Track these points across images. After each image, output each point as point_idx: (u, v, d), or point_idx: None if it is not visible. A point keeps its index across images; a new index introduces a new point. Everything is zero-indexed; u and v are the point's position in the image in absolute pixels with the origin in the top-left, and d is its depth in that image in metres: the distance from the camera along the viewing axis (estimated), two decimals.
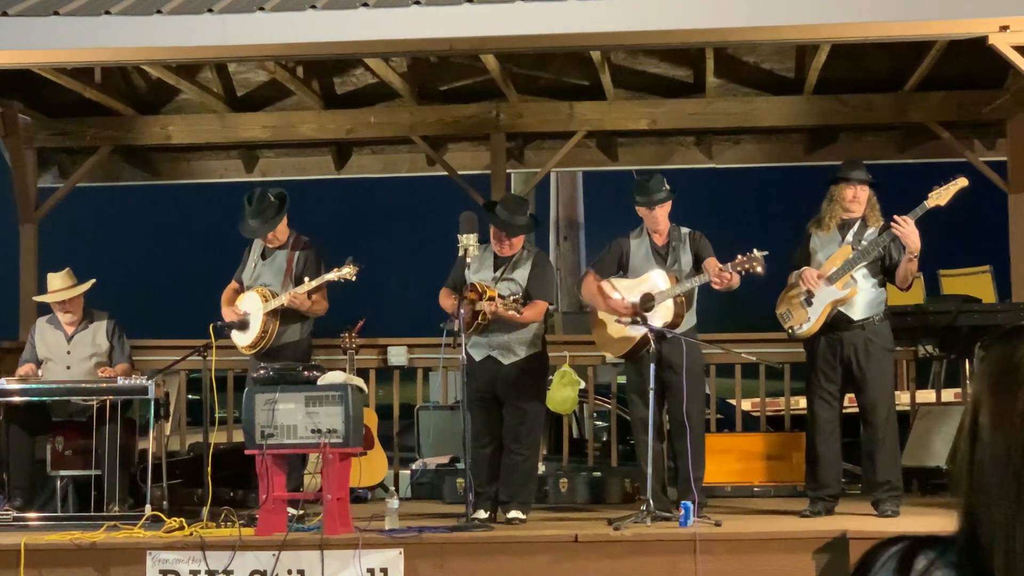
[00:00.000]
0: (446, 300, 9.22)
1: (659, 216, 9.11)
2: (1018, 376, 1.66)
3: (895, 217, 8.55)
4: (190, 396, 12.30)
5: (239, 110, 12.67)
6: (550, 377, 10.09)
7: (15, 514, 9.14)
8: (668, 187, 9.13)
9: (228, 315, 9.49)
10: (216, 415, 9.20)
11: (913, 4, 8.66)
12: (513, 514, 8.95)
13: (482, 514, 8.85)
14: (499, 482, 9.11)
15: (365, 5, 8.95)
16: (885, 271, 8.86)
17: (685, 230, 9.18)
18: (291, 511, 8.55)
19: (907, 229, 8.50)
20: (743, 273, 8.75)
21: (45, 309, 10.17)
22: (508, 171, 13.06)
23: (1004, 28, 8.55)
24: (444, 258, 9.53)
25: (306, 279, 9.36)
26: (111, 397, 9.20)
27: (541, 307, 9.18)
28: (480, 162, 13.04)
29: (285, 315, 9.49)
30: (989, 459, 1.68)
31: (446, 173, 12.83)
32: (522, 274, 9.18)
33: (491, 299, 8.95)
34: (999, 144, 12.37)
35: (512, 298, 8.96)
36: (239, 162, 13.69)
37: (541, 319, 9.29)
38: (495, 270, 9.22)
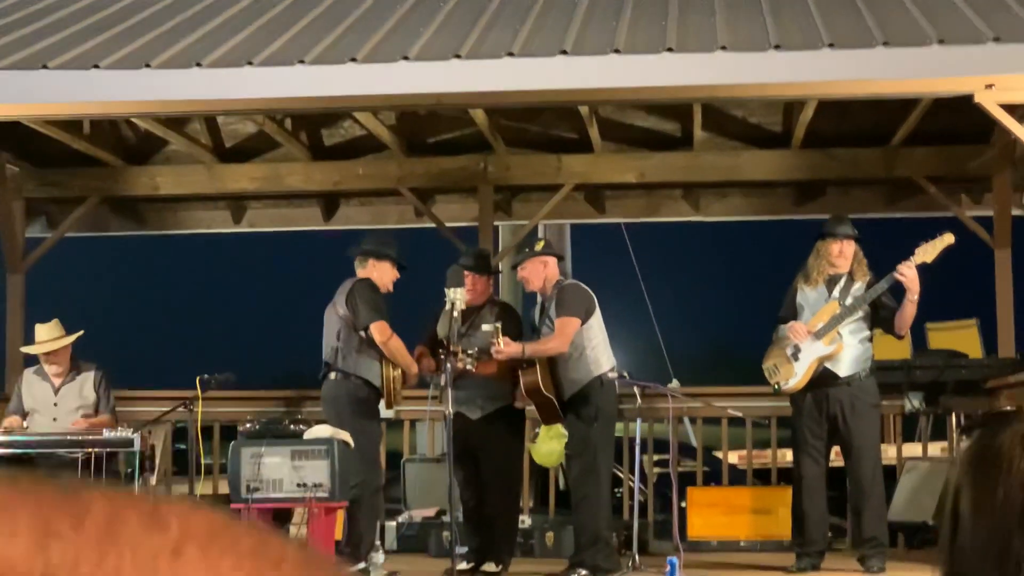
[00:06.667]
0: (419, 361, 9.22)
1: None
2: (999, 463, 1.66)
3: (899, 267, 8.61)
4: (177, 445, 12.26)
5: (227, 161, 12.68)
6: (536, 430, 10.04)
7: None
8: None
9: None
10: (202, 462, 9.16)
11: (900, 63, 8.69)
12: (487, 566, 8.93)
13: (464, 565, 8.82)
14: (480, 535, 9.12)
15: (353, 60, 8.97)
16: (880, 322, 8.90)
17: (565, 283, 9.28)
18: None
19: (911, 275, 8.58)
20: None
21: (32, 360, 10.14)
22: (496, 223, 13.07)
23: (990, 86, 8.60)
24: (432, 311, 9.51)
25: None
26: (97, 449, 9.18)
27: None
28: (468, 214, 13.05)
29: None
30: (969, 546, 1.68)
31: (434, 225, 12.84)
32: (487, 327, 9.17)
33: (453, 354, 8.88)
34: (986, 199, 12.42)
35: (470, 353, 8.93)
36: (227, 213, 13.69)
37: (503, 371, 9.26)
38: (463, 323, 9.21)
